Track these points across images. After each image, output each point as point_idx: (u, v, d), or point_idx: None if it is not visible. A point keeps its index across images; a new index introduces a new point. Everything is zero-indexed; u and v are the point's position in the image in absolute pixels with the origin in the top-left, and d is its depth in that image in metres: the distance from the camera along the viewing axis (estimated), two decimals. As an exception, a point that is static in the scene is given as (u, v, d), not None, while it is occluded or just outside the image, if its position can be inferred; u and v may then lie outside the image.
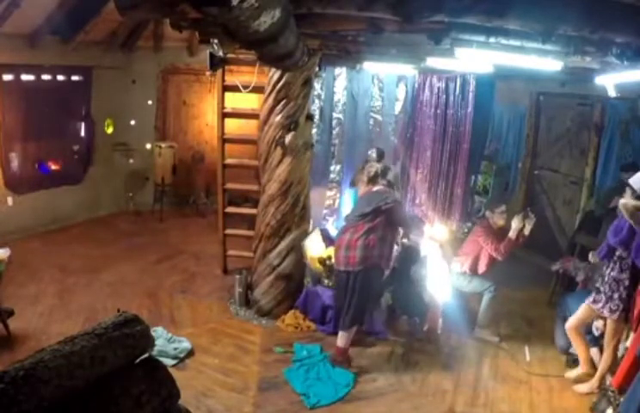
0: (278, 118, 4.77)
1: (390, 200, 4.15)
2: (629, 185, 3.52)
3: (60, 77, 7.03)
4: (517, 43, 2.82)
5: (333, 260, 4.49)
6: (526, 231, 4.60)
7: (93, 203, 7.73)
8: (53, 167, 7.15)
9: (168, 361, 3.86)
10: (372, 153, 6.30)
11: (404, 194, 8.04)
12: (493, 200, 6.43)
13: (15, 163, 6.63)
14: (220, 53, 3.84)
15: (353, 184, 6.28)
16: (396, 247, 4.64)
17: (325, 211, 7.43)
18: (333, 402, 3.81)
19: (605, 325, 3.87)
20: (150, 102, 8.24)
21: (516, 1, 2.24)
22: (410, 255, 4.80)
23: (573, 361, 4.27)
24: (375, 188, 4.29)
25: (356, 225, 4.15)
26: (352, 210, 4.66)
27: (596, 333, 4.07)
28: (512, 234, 4.55)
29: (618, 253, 3.70)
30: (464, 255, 4.91)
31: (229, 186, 5.84)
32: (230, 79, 5.55)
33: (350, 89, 7.26)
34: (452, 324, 4.87)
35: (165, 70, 8.26)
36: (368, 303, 4.25)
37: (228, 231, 5.88)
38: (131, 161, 8.06)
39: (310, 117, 5.09)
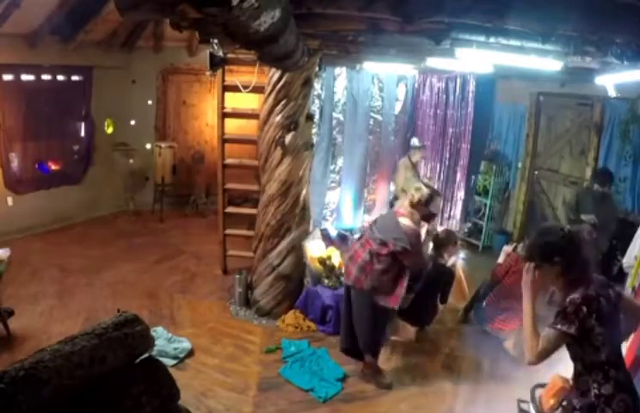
0: (278, 118, 4.77)
1: (400, 245, 3.71)
2: None
3: (60, 77, 7.03)
4: (517, 43, 2.81)
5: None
6: None
7: (93, 203, 7.73)
8: (53, 167, 7.15)
9: (168, 361, 3.86)
10: (415, 142, 6.33)
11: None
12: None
13: (15, 163, 6.64)
14: (220, 53, 3.83)
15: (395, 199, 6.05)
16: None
17: (325, 211, 7.43)
18: (337, 393, 3.85)
19: None
20: (150, 102, 8.26)
21: (516, 1, 2.24)
22: (442, 278, 4.56)
23: None
24: (400, 218, 3.83)
25: (367, 239, 3.90)
26: (377, 218, 4.23)
27: None
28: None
29: None
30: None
31: (229, 186, 5.84)
32: (230, 79, 5.54)
33: (350, 89, 7.26)
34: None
35: (165, 70, 8.27)
36: (363, 327, 3.92)
37: (228, 231, 5.88)
38: (131, 161, 8.05)
39: (310, 117, 5.08)
